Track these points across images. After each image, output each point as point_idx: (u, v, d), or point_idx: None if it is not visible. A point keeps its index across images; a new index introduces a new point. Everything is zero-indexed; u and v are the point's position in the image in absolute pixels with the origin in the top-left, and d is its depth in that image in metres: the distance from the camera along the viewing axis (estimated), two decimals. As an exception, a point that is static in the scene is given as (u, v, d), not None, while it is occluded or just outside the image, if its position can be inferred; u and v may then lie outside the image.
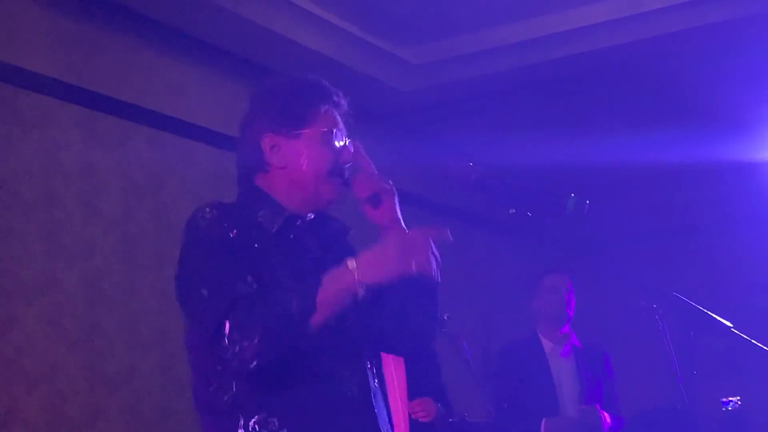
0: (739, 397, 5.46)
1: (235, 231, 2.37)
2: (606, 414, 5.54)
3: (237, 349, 2.21)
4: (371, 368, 2.44)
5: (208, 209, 2.44)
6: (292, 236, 2.42)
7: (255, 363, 2.22)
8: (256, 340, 2.20)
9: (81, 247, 5.78)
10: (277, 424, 2.29)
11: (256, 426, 2.28)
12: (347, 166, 2.53)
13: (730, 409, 5.15)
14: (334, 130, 2.53)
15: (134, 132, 6.14)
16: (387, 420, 2.42)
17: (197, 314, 2.28)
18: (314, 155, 2.49)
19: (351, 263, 2.28)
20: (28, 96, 5.55)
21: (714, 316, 4.32)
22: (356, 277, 2.26)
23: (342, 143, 2.53)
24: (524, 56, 6.85)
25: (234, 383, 2.30)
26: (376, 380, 2.43)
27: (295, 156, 2.49)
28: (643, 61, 6.87)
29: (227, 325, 2.21)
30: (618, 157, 8.05)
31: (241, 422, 2.30)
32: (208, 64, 6.52)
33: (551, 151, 7.83)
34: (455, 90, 7.15)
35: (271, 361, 2.23)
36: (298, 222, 2.49)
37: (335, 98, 2.56)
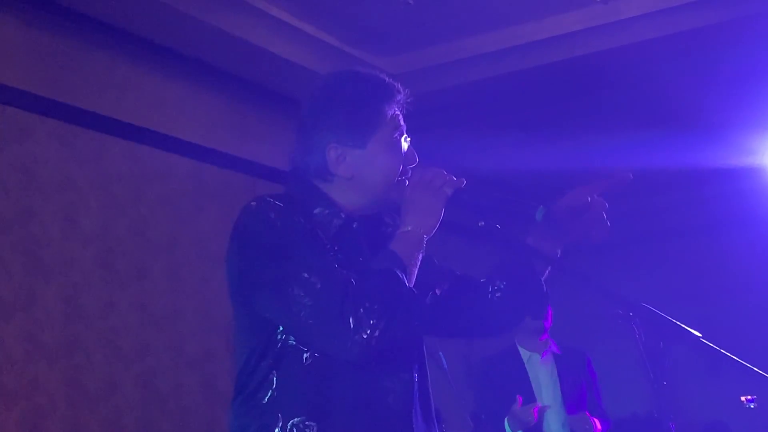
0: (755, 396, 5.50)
1: (302, 220, 2.26)
2: (595, 420, 5.56)
3: (365, 328, 2.11)
4: (417, 381, 2.36)
5: (271, 200, 2.28)
6: (347, 238, 2.33)
7: (380, 342, 2.13)
8: (381, 318, 2.12)
9: (60, 261, 5.74)
10: (315, 428, 2.21)
11: (294, 429, 2.21)
12: (411, 167, 2.43)
13: (752, 407, 5.17)
14: (400, 135, 2.43)
15: (112, 145, 6.11)
16: None
17: (307, 300, 2.14)
18: (383, 164, 2.37)
19: (404, 227, 2.30)
20: (5, 110, 5.52)
21: (683, 326, 4.32)
22: (420, 231, 2.29)
23: (406, 145, 2.44)
24: (502, 64, 6.87)
25: (276, 380, 2.23)
26: (419, 395, 2.37)
27: (362, 166, 2.36)
28: (622, 68, 6.90)
29: (349, 305, 2.12)
30: (597, 162, 8.07)
31: (280, 423, 2.22)
32: (186, 77, 6.51)
33: (529, 158, 7.85)
34: (432, 99, 7.15)
35: (392, 338, 2.16)
36: (354, 225, 2.37)
37: (398, 97, 2.44)
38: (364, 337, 2.12)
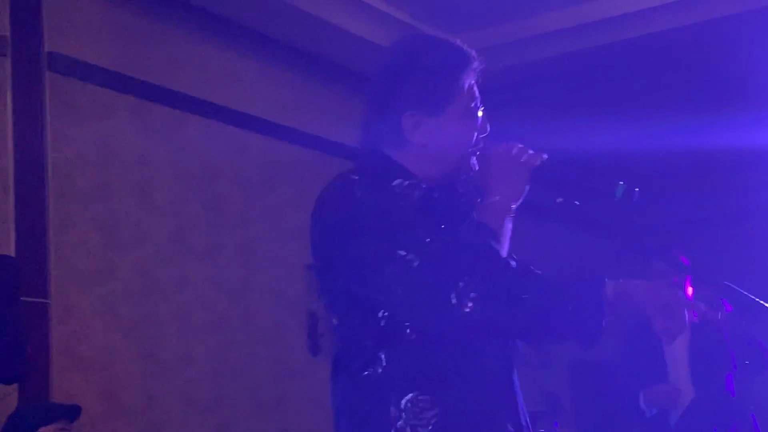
0: None
1: (388, 196, 2.24)
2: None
3: (466, 302, 2.10)
4: (512, 347, 2.36)
5: (355, 177, 2.27)
6: (429, 209, 2.28)
7: (481, 315, 2.12)
8: (481, 291, 2.11)
9: (135, 236, 5.86)
10: (429, 402, 2.20)
11: (409, 404, 2.20)
12: (483, 137, 2.41)
13: None
14: (476, 104, 2.39)
15: (187, 122, 6.20)
16: (523, 405, 2.36)
17: (404, 277, 2.11)
18: (459, 132, 2.35)
19: (491, 197, 2.30)
20: (84, 87, 5.63)
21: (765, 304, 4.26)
22: (508, 200, 2.30)
23: (481, 115, 2.41)
24: (573, 41, 6.80)
25: (385, 358, 2.22)
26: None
27: (438, 134, 2.33)
28: (692, 46, 6.78)
29: (449, 280, 2.10)
30: (669, 142, 7.96)
31: (394, 400, 2.21)
32: (260, 54, 6.57)
33: (600, 137, 7.76)
34: (502, 76, 7.10)
35: (492, 309, 2.13)
36: (436, 195, 2.34)
37: (474, 66, 2.40)
38: (466, 311, 2.11)
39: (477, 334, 2.21)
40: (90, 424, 5.33)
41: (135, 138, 5.89)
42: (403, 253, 2.14)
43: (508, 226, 2.31)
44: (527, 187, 2.37)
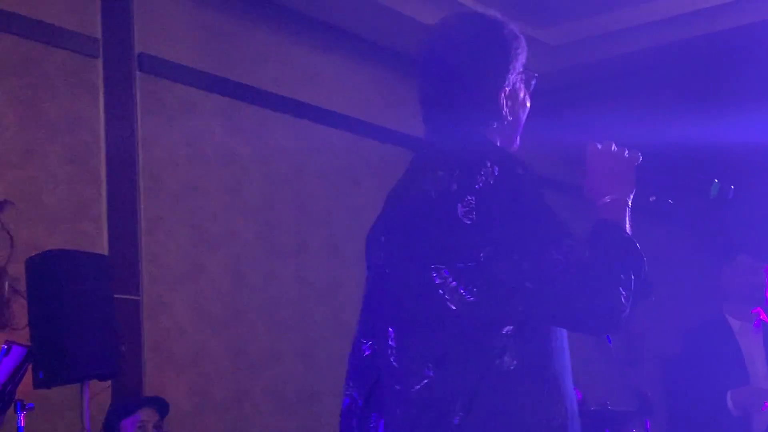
0: None
1: (530, 181, 2.21)
2: None
3: (629, 300, 2.10)
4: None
5: (489, 163, 2.17)
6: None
7: (628, 312, 2.13)
8: (631, 290, 2.11)
9: (224, 234, 5.93)
10: (557, 394, 2.20)
11: (544, 395, 2.17)
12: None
13: None
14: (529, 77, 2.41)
15: (274, 120, 6.24)
16: None
17: (574, 263, 2.08)
18: (526, 105, 2.39)
19: (605, 197, 2.29)
20: (173, 87, 5.71)
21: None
22: (624, 197, 2.29)
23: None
24: (664, 34, 6.66)
25: (515, 349, 2.17)
26: None
27: (519, 107, 2.35)
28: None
29: (615, 278, 2.09)
30: (760, 135, 7.74)
31: (532, 389, 2.19)
32: (347, 52, 6.59)
33: (694, 132, 7.59)
34: (592, 70, 7.02)
35: (632, 306, 2.15)
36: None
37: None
38: (620, 306, 2.10)
39: (622, 327, 2.19)
40: (181, 419, 5.41)
41: (223, 137, 5.96)
42: (569, 242, 2.10)
43: (630, 223, 2.30)
44: (635, 183, 2.35)
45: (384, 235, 2.42)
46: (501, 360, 2.13)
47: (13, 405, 2.80)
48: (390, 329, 2.30)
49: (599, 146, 2.39)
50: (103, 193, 5.35)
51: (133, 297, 5.30)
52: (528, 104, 2.39)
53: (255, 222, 6.10)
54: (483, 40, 2.35)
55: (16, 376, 2.85)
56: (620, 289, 2.09)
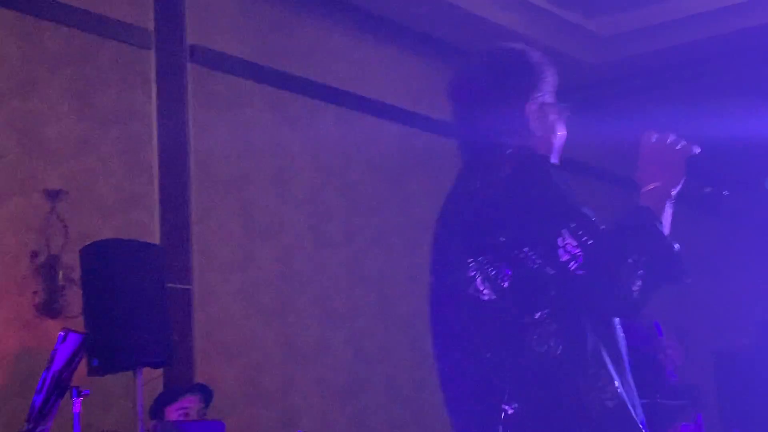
0: None
1: (551, 178, 2.36)
2: None
3: (635, 281, 2.17)
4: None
5: (505, 162, 2.38)
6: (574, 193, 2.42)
7: (644, 294, 2.20)
8: (648, 272, 2.19)
9: (274, 224, 5.97)
10: (609, 376, 2.24)
11: (592, 377, 2.24)
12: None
13: None
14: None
15: (323, 111, 6.27)
16: None
17: (578, 251, 2.19)
18: (556, 128, 2.49)
19: (649, 184, 2.35)
20: (224, 78, 5.76)
21: None
22: (668, 186, 2.34)
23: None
24: (717, 25, 6.57)
25: (558, 334, 2.25)
26: None
27: (550, 123, 2.47)
28: None
29: (620, 260, 2.17)
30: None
31: (578, 372, 2.26)
32: (395, 42, 6.58)
33: (747, 123, 7.49)
34: (643, 61, 6.94)
35: (654, 290, 2.22)
36: (569, 182, 2.47)
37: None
38: (634, 290, 2.17)
39: (638, 310, 2.25)
40: (231, 407, 5.46)
41: (273, 128, 6.00)
42: (577, 229, 2.20)
43: (669, 211, 2.35)
44: (684, 175, 2.39)
45: (433, 240, 2.60)
46: (541, 346, 2.21)
47: (69, 391, 2.85)
48: (437, 328, 2.51)
49: (654, 136, 2.43)
50: (155, 183, 5.41)
51: (184, 286, 5.36)
52: (560, 130, 2.49)
53: (304, 212, 6.13)
54: (509, 64, 2.50)
55: (72, 363, 2.90)
56: (631, 273, 2.17)
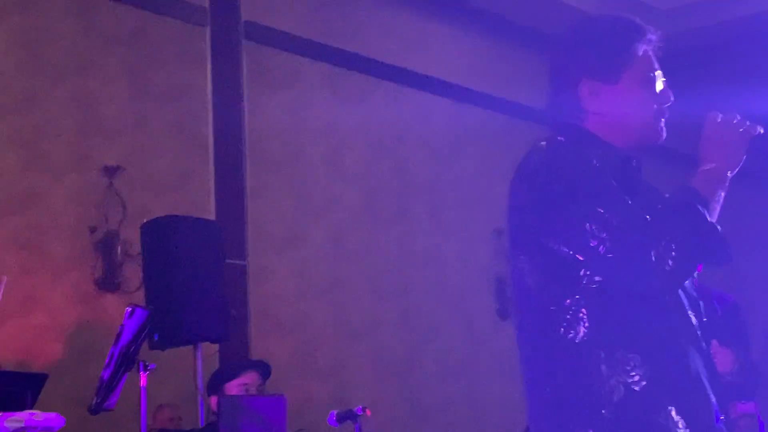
0: None
1: (589, 159, 2.33)
2: None
3: (666, 260, 2.14)
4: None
5: (561, 139, 2.31)
6: (627, 176, 2.36)
7: (680, 273, 2.18)
8: (682, 250, 2.15)
9: (326, 201, 5.98)
10: (639, 360, 2.24)
11: (619, 362, 2.23)
12: (667, 106, 2.46)
13: None
14: (653, 73, 2.40)
15: (376, 88, 6.26)
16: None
17: (604, 234, 2.16)
18: (635, 101, 2.38)
19: (706, 164, 2.29)
20: (278, 55, 5.77)
21: None
22: (724, 168, 2.30)
23: (661, 84, 2.41)
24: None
25: (588, 317, 2.25)
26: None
27: (615, 102, 2.37)
28: None
29: (649, 239, 2.14)
30: None
31: (603, 358, 2.25)
32: (448, 18, 6.54)
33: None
34: (703, 36, 6.84)
35: (692, 269, 2.20)
36: (633, 162, 2.43)
37: (649, 36, 2.42)
38: (666, 269, 2.13)
39: (674, 292, 2.21)
40: (285, 383, 5.50)
41: (326, 105, 6.00)
42: (601, 211, 2.16)
43: (721, 193, 2.29)
44: (744, 157, 2.35)
45: None
46: (568, 332, 2.19)
47: (135, 365, 2.90)
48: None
49: (720, 116, 2.39)
50: (211, 160, 5.44)
51: (239, 262, 5.39)
52: (643, 101, 2.37)
53: (357, 190, 6.13)
54: (577, 37, 2.43)
55: (138, 337, 2.94)
56: (664, 254, 2.13)
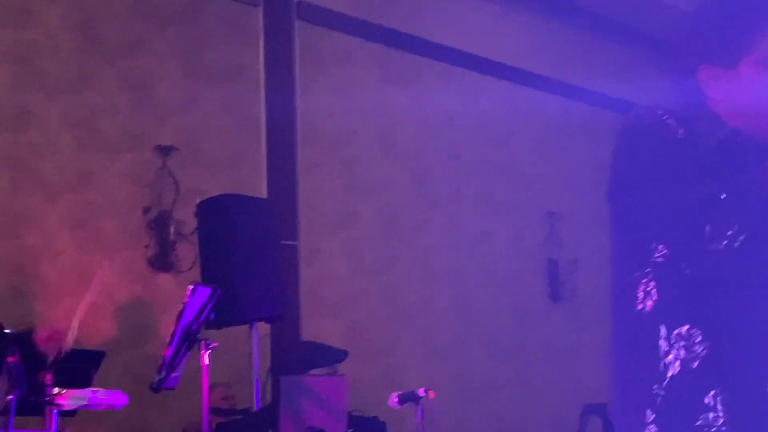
0: None
1: (677, 139, 2.30)
2: None
3: (720, 239, 2.15)
4: None
5: (660, 110, 2.34)
6: (729, 152, 2.32)
7: (735, 251, 2.17)
8: (741, 230, 2.16)
9: (377, 182, 5.96)
10: (701, 337, 2.22)
11: (679, 337, 2.23)
12: None
13: None
14: None
15: (428, 68, 6.21)
16: None
17: (665, 207, 2.19)
18: (755, 87, 2.39)
19: None
20: (330, 35, 5.74)
21: None
22: None
23: None
24: None
25: (656, 291, 2.24)
26: None
27: (735, 87, 2.39)
28: None
29: (705, 216, 2.16)
30: None
31: (663, 332, 2.24)
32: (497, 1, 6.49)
33: None
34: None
35: (753, 249, 2.19)
36: (739, 139, 2.37)
37: None
38: (720, 248, 2.10)
39: (732, 271, 2.17)
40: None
41: (377, 85, 5.97)
42: (677, 193, 2.14)
43: None
44: None
45: None
46: (638, 305, 2.21)
47: (197, 344, 2.90)
48: None
49: None
50: (263, 140, 5.44)
51: (290, 242, 5.38)
52: (763, 88, 2.34)
53: (408, 170, 6.10)
54: (694, 21, 2.36)
55: (200, 316, 2.94)
56: (705, 227, 2.13)
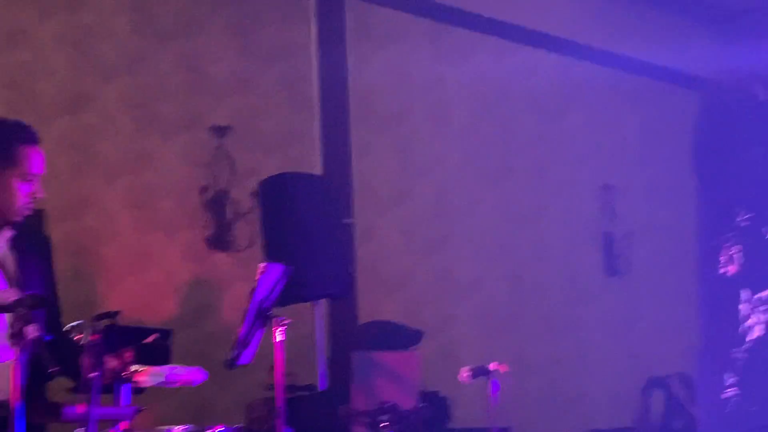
0: None
1: None
2: None
3: None
4: None
5: (740, 74, 2.33)
6: None
7: None
8: None
9: (431, 159, 5.94)
10: None
11: (758, 302, 2.24)
12: None
13: None
14: None
15: (481, 43, 6.16)
16: None
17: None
18: None
19: None
20: (381, 11, 5.72)
21: None
22: None
23: None
24: None
25: (742, 254, 2.26)
26: None
27: None
28: None
29: None
30: None
31: (744, 296, 2.26)
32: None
33: None
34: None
35: None
36: None
37: None
38: None
39: None
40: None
41: (431, 61, 5.94)
42: (762, 157, 2.16)
43: None
44: None
45: None
46: (720, 268, 2.27)
47: (270, 321, 2.91)
48: None
49: None
50: (317, 118, 5.44)
51: (346, 220, 5.39)
52: None
53: (461, 147, 6.08)
54: None
55: (272, 293, 2.95)
56: None
